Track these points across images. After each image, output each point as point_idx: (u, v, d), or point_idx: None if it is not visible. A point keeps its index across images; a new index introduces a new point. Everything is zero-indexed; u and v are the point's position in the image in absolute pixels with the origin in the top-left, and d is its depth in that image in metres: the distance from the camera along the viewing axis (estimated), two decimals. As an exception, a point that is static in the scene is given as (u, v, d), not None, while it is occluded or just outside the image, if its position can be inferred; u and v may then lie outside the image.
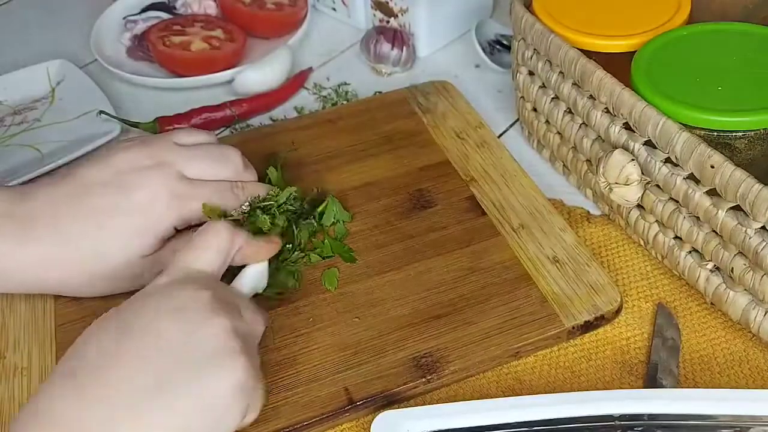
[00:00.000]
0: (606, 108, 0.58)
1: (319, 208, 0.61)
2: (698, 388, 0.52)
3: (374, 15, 0.86)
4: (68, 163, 0.70)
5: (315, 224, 0.60)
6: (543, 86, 0.66)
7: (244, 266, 0.52)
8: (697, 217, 0.53)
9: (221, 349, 0.43)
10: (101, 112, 0.74)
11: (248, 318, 0.47)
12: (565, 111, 0.64)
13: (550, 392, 0.51)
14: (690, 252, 0.56)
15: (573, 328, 0.54)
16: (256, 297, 0.52)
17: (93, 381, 0.41)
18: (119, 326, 0.43)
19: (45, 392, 0.41)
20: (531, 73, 0.67)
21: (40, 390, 0.41)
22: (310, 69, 0.83)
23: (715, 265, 0.55)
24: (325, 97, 0.79)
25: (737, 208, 0.50)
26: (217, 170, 0.57)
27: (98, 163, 0.55)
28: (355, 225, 0.62)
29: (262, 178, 0.61)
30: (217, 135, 0.75)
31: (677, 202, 0.54)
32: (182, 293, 0.45)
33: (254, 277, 0.52)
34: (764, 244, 0.49)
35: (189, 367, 0.42)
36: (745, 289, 0.53)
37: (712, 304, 0.57)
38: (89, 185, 0.53)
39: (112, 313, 0.45)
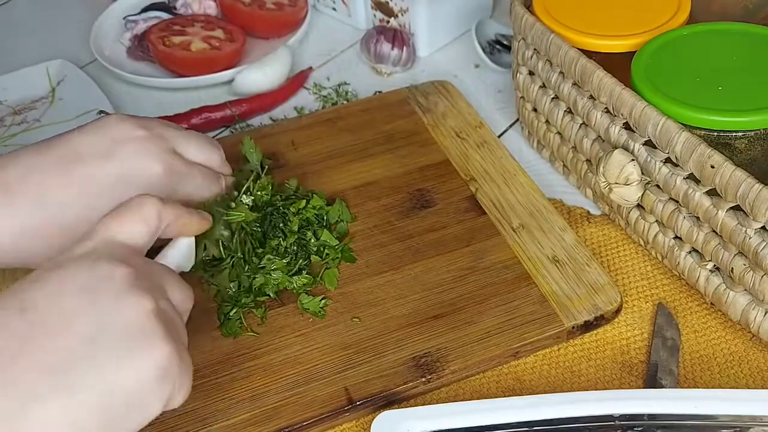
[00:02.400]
0: (606, 108, 0.58)
1: (294, 206, 0.60)
2: (698, 388, 0.52)
3: (374, 15, 0.86)
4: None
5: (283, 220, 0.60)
6: (543, 86, 0.66)
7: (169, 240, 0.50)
8: (697, 217, 0.53)
9: (138, 333, 0.39)
10: (101, 112, 0.74)
11: (176, 298, 0.44)
12: (565, 111, 0.64)
13: (550, 392, 0.51)
14: (690, 252, 0.56)
15: (573, 327, 0.54)
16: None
17: None
18: (23, 305, 0.38)
19: None
20: (531, 73, 0.67)
21: None
22: (310, 69, 0.83)
23: (715, 265, 0.55)
24: (325, 97, 0.79)
25: (737, 208, 0.50)
26: (207, 156, 0.57)
27: (92, 132, 0.52)
28: (355, 225, 0.62)
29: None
30: (217, 135, 0.76)
31: (677, 202, 0.54)
32: (95, 270, 0.40)
33: (182, 252, 0.49)
34: (764, 244, 0.49)
35: (100, 351, 0.38)
36: (745, 289, 0.53)
37: (712, 304, 0.57)
38: (83, 153, 0.51)
39: (15, 288, 0.40)
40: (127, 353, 0.38)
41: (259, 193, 0.59)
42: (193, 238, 0.50)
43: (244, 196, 0.58)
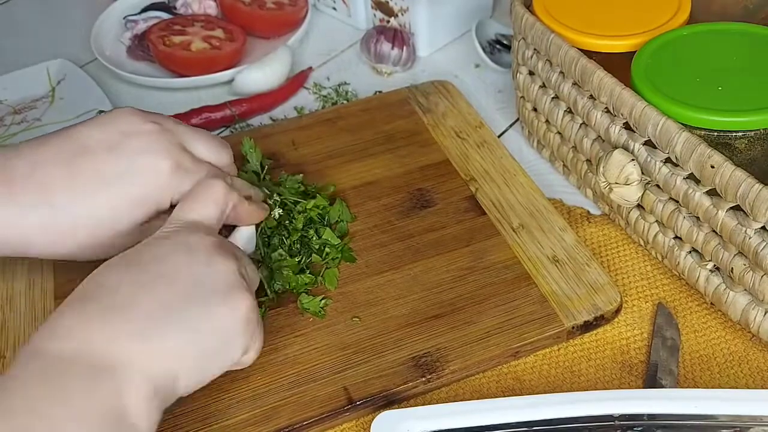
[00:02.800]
0: (606, 108, 0.58)
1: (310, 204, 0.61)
2: (698, 388, 0.52)
3: (374, 15, 0.86)
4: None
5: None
6: (543, 86, 0.66)
7: (233, 229, 0.55)
8: (697, 217, 0.53)
9: (230, 284, 0.46)
10: (101, 111, 0.74)
11: (249, 270, 0.50)
12: (565, 111, 0.64)
13: (550, 392, 0.51)
14: (690, 252, 0.56)
15: (573, 327, 0.54)
16: None
17: (100, 303, 0.43)
18: (133, 259, 0.46)
19: (57, 312, 0.43)
20: (531, 73, 0.67)
21: (55, 311, 0.43)
22: (310, 69, 0.83)
23: (715, 265, 0.55)
24: (325, 96, 0.79)
25: (737, 208, 0.50)
26: (216, 155, 0.56)
27: (100, 125, 0.52)
28: (355, 224, 0.62)
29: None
30: (217, 135, 0.75)
31: (677, 202, 0.54)
32: (191, 236, 0.47)
33: (244, 239, 0.55)
34: (764, 244, 0.49)
35: (201, 295, 0.44)
36: (745, 289, 0.53)
37: (712, 304, 0.57)
38: (90, 147, 0.51)
39: (127, 253, 0.46)
40: (224, 297, 0.45)
41: (279, 198, 0.59)
42: (254, 227, 0.56)
43: (272, 201, 0.59)
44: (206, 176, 0.53)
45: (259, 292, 0.55)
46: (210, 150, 0.56)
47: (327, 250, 0.59)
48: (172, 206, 0.53)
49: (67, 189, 0.50)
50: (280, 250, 0.57)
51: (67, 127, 0.53)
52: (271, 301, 0.56)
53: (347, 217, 0.62)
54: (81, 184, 0.51)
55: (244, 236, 0.55)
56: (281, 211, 0.59)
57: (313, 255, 0.58)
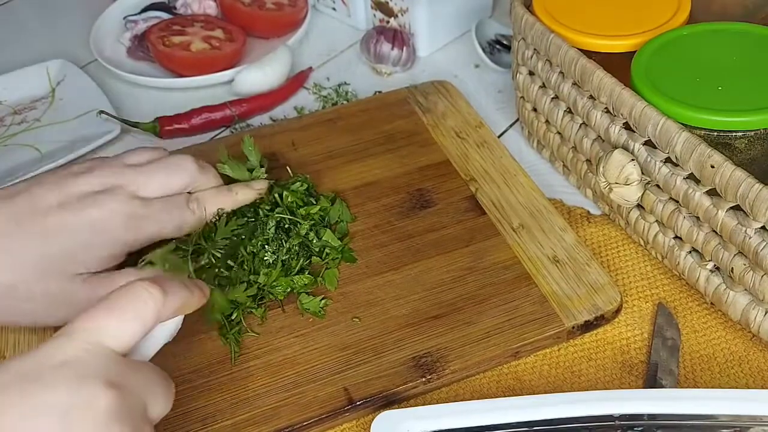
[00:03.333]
0: (606, 108, 0.58)
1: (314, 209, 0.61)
2: (698, 388, 0.52)
3: (374, 15, 0.86)
4: (68, 163, 0.70)
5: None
6: (543, 86, 0.66)
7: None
8: (697, 217, 0.53)
9: None
10: (101, 112, 0.74)
11: (156, 411, 0.40)
12: (565, 111, 0.64)
13: (550, 392, 0.51)
14: (690, 252, 0.56)
15: (573, 327, 0.54)
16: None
17: None
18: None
19: None
20: (531, 73, 0.67)
21: None
22: (310, 69, 0.83)
23: (715, 265, 0.55)
24: (325, 97, 0.79)
25: (737, 208, 0.50)
26: (171, 180, 0.55)
27: (52, 186, 0.52)
28: (355, 225, 0.62)
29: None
30: (217, 135, 0.76)
31: (677, 202, 0.54)
32: (77, 393, 0.36)
33: (170, 329, 0.45)
34: (764, 244, 0.49)
35: None
36: (745, 289, 0.53)
37: (712, 304, 0.57)
38: (41, 207, 0.51)
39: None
40: None
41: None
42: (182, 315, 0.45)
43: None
44: (153, 217, 0.53)
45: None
46: (164, 179, 0.55)
47: (327, 251, 0.58)
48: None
49: (17, 244, 0.49)
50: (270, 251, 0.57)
51: (28, 184, 0.53)
52: (272, 301, 0.56)
53: (347, 217, 0.62)
54: (22, 237, 0.49)
55: (170, 327, 0.44)
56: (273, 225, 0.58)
57: (313, 257, 0.58)
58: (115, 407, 0.36)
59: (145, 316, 0.40)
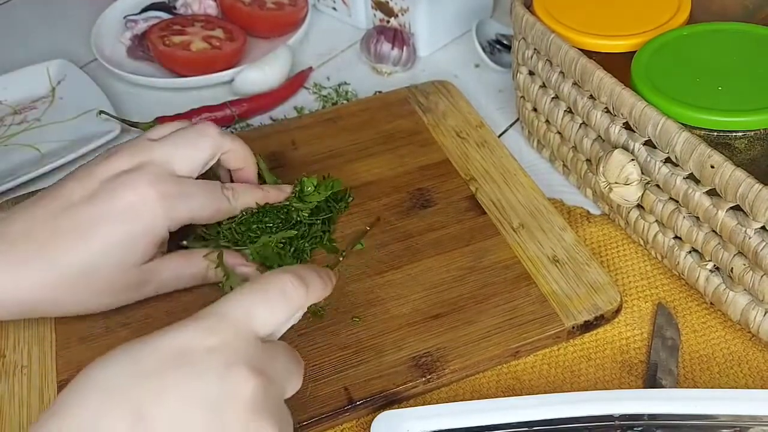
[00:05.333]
0: (606, 108, 0.58)
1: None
2: (698, 388, 0.52)
3: (374, 15, 0.86)
4: (68, 163, 0.70)
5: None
6: (543, 86, 0.66)
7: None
8: (697, 217, 0.53)
9: None
10: (101, 111, 0.74)
11: (291, 388, 0.41)
12: (565, 111, 0.64)
13: (550, 392, 0.51)
14: (690, 252, 0.56)
15: (573, 327, 0.54)
16: None
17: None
18: (139, 411, 0.35)
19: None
20: (531, 73, 0.67)
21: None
22: (310, 69, 0.83)
23: (715, 265, 0.55)
24: (325, 96, 0.79)
25: (737, 208, 0.50)
26: (197, 147, 0.55)
27: (81, 178, 0.53)
28: (355, 224, 0.62)
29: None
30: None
31: (677, 202, 0.54)
32: (226, 382, 0.36)
33: (298, 315, 0.44)
34: (764, 244, 0.49)
35: None
36: (745, 289, 0.53)
37: (711, 304, 0.57)
38: (73, 201, 0.51)
39: (127, 384, 0.36)
40: None
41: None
42: None
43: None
44: (191, 198, 0.54)
45: None
46: (189, 147, 0.55)
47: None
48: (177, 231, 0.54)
49: (53, 244, 0.50)
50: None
51: (54, 185, 0.53)
52: None
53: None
54: (64, 237, 0.50)
55: (297, 316, 0.44)
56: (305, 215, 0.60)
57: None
58: (260, 395, 0.37)
59: (293, 305, 0.41)
